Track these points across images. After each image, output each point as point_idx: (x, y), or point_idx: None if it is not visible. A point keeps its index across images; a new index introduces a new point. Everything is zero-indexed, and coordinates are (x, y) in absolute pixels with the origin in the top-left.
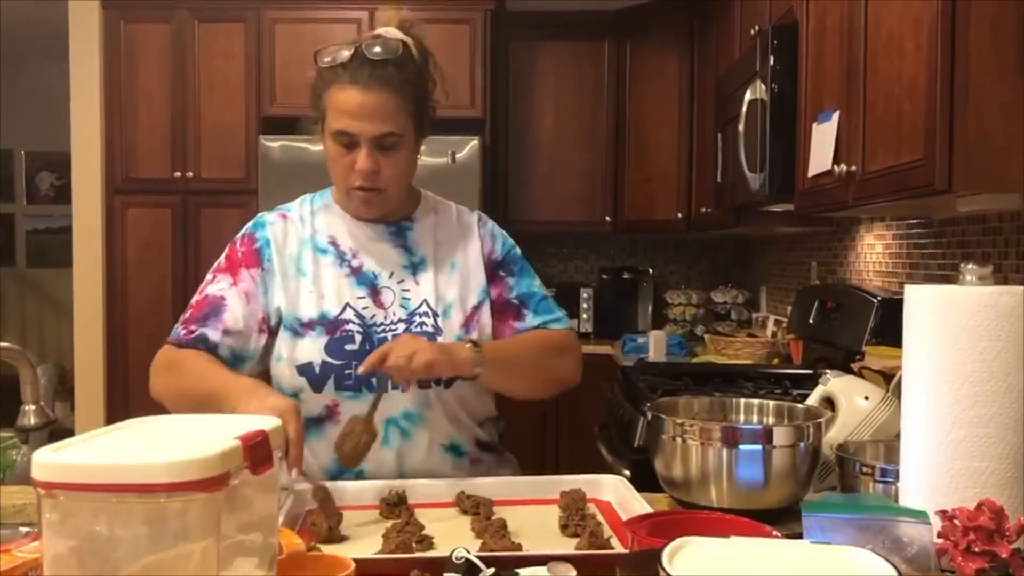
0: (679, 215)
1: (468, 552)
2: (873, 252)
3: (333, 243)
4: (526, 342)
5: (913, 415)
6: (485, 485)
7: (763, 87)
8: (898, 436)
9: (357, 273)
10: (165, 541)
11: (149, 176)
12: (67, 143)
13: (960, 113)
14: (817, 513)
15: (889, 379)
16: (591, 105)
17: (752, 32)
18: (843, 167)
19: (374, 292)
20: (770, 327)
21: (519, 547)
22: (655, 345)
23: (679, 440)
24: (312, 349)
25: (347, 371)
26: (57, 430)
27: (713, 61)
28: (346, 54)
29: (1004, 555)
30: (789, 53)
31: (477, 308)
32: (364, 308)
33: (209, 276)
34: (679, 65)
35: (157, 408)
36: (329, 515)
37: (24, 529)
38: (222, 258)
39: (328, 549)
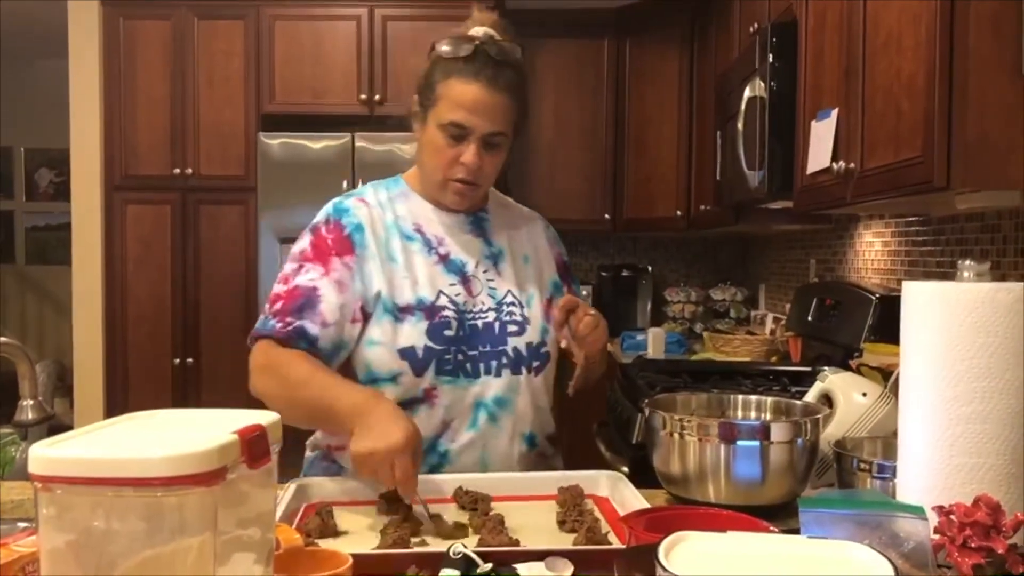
0: (678, 213)
1: (466, 547)
2: (872, 249)
3: (419, 230)
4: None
5: (911, 411)
6: (483, 481)
7: (762, 85)
8: (895, 432)
9: (445, 261)
10: (162, 535)
11: (148, 173)
12: (66, 140)
13: (959, 111)
14: (814, 509)
15: (887, 376)
16: (591, 103)
17: (751, 30)
18: (842, 164)
19: (464, 280)
20: (769, 324)
21: (517, 543)
22: (654, 342)
23: (677, 436)
24: (413, 334)
25: (447, 356)
26: (56, 426)
27: (712, 59)
28: (469, 48)
29: (1001, 551)
30: (788, 51)
31: (550, 302)
32: (457, 295)
33: (293, 265)
34: (679, 63)
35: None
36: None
37: (22, 524)
38: (305, 246)
39: (325, 544)
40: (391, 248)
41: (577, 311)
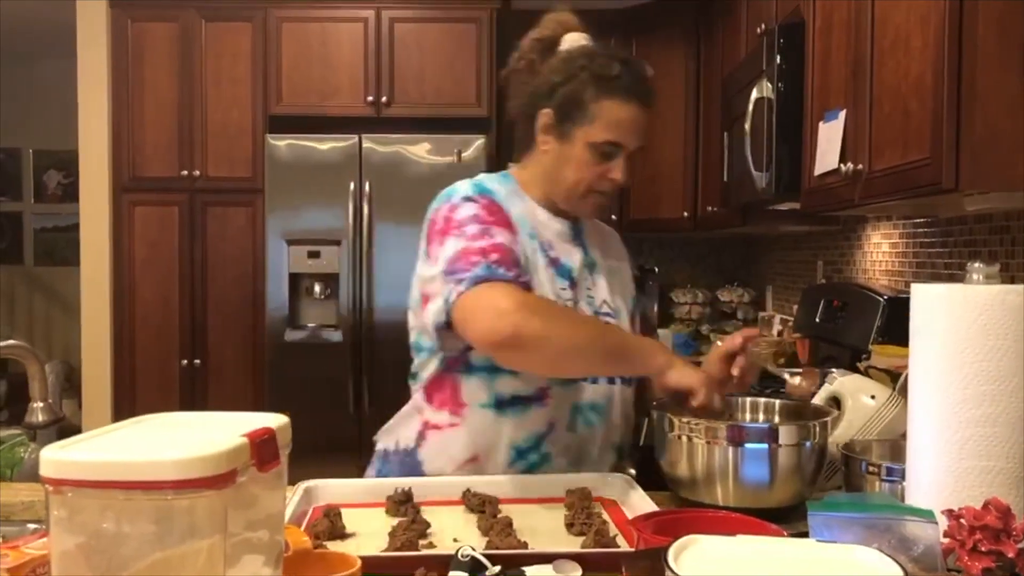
0: (685, 214)
1: (474, 550)
2: (879, 251)
3: (534, 231)
4: None
5: (919, 414)
6: (491, 483)
7: (769, 86)
8: (904, 435)
9: (556, 265)
10: (172, 538)
11: (156, 175)
12: (75, 142)
13: (967, 112)
14: (823, 512)
15: (895, 378)
16: None
17: (759, 31)
18: (850, 166)
19: (572, 286)
20: (776, 326)
21: (525, 545)
22: None
23: (685, 439)
24: None
25: None
26: (65, 428)
27: (719, 60)
28: (617, 67)
29: (1011, 554)
30: (796, 52)
31: (633, 316)
32: (568, 300)
33: (476, 227)
34: (685, 64)
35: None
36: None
37: (32, 526)
38: (476, 211)
39: (334, 546)
40: (522, 241)
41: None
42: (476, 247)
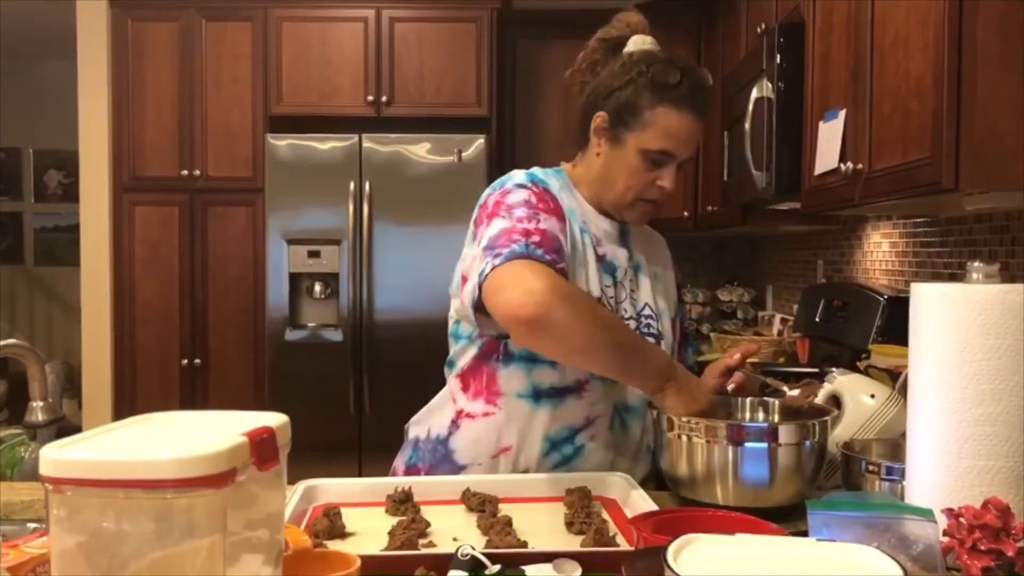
0: (685, 213)
1: (474, 549)
2: (880, 250)
3: (585, 225)
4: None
5: (919, 413)
6: (491, 482)
7: (770, 85)
8: (904, 434)
9: (602, 261)
10: (172, 537)
11: (157, 174)
12: (75, 141)
13: (967, 112)
14: (823, 511)
15: (895, 377)
16: None
17: (759, 30)
18: (850, 165)
19: (615, 284)
20: (776, 325)
21: (525, 544)
22: None
23: (685, 438)
24: None
25: None
26: (65, 427)
27: (719, 59)
28: (676, 75)
29: (1010, 553)
30: (796, 51)
31: (675, 321)
32: (611, 297)
33: (525, 211)
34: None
35: (163, 406)
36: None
37: (32, 525)
38: (527, 197)
39: (334, 546)
40: (574, 233)
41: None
42: (520, 228)
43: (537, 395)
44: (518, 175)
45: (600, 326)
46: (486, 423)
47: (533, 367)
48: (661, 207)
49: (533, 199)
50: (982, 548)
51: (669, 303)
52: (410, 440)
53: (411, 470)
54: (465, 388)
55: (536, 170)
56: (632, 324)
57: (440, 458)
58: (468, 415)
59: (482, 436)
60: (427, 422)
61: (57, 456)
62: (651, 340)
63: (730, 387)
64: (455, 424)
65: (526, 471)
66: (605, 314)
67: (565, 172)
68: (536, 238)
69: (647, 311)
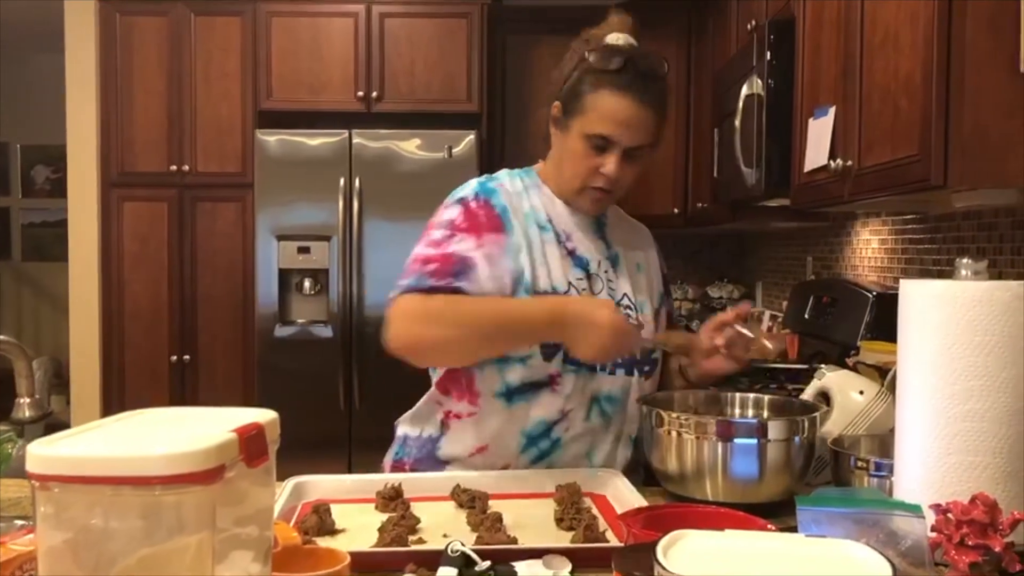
0: (676, 210)
1: (464, 545)
2: (869, 247)
3: (550, 222)
4: None
5: (908, 409)
6: (481, 478)
7: (760, 82)
8: (893, 430)
9: (572, 255)
10: (160, 534)
11: (145, 170)
12: (63, 136)
13: (956, 109)
14: (812, 507)
15: (884, 374)
16: None
17: (749, 27)
18: (839, 162)
19: (588, 276)
20: (766, 322)
21: (515, 540)
22: None
23: (675, 434)
24: None
25: None
26: (53, 424)
27: (710, 56)
28: (619, 61)
29: (997, 549)
30: (786, 48)
31: (658, 312)
32: (583, 289)
33: (443, 232)
34: (676, 60)
35: (152, 402)
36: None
37: (19, 522)
38: (455, 216)
39: (323, 542)
40: (530, 235)
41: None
42: (424, 255)
43: (511, 392)
44: (468, 187)
45: (466, 323)
46: (470, 422)
47: (504, 365)
48: (651, 203)
49: (460, 219)
50: (970, 543)
51: (651, 294)
52: (399, 437)
53: (396, 465)
54: (447, 391)
55: (502, 173)
56: None
57: (426, 455)
58: (456, 415)
59: (466, 435)
60: (419, 423)
61: (44, 453)
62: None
63: (719, 342)
64: (445, 424)
65: (506, 467)
66: (470, 308)
67: (535, 171)
68: (433, 266)
69: (626, 302)
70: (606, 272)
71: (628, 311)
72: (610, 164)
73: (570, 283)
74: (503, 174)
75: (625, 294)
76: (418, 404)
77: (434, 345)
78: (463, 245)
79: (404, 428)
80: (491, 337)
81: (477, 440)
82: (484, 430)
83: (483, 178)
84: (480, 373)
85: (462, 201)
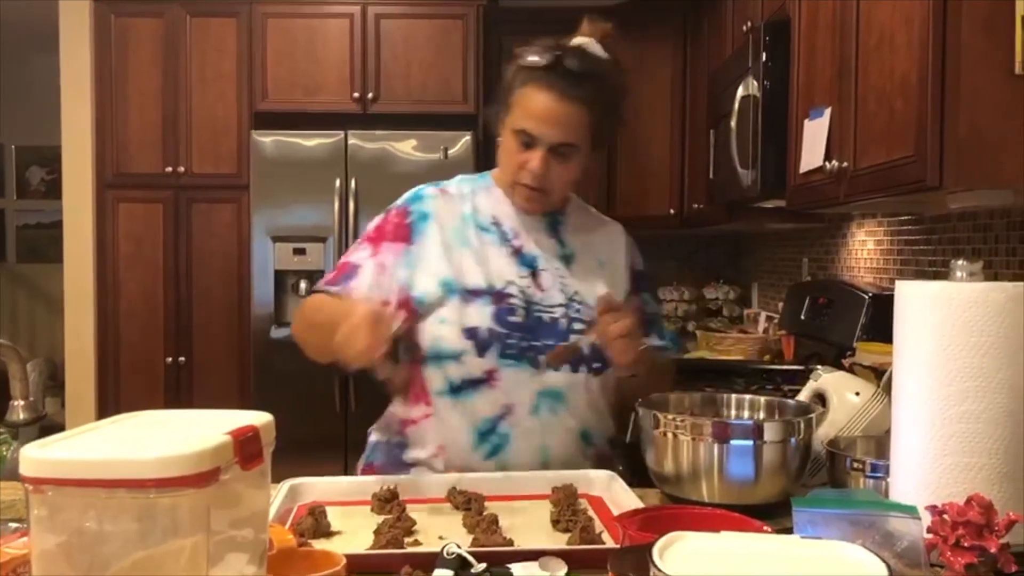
0: (671, 211)
1: (460, 547)
2: (864, 248)
3: (495, 223)
4: (660, 365)
5: (904, 411)
6: (477, 480)
7: (755, 83)
8: (888, 432)
9: (518, 253)
10: (155, 537)
11: (141, 171)
12: (58, 137)
13: (951, 110)
14: (808, 508)
15: (880, 375)
16: None
17: (744, 28)
18: (835, 163)
19: (534, 274)
20: (762, 323)
21: (511, 542)
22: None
23: (670, 435)
24: (481, 315)
25: (510, 340)
26: (48, 426)
27: (706, 57)
28: (548, 57)
29: (993, 550)
30: (781, 50)
31: None
32: (527, 287)
33: (358, 241)
34: (672, 61)
35: (148, 404)
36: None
37: (13, 525)
38: (371, 227)
39: (319, 545)
40: (466, 236)
41: (610, 315)
42: (338, 263)
43: (455, 390)
44: (407, 193)
45: (308, 322)
46: (428, 424)
47: (441, 363)
48: (647, 204)
49: (372, 228)
50: (965, 544)
51: (614, 289)
52: (370, 443)
53: (366, 470)
54: (406, 396)
55: (456, 178)
56: (559, 311)
57: (393, 459)
58: (413, 421)
59: (426, 437)
60: (387, 430)
61: (37, 456)
62: (580, 327)
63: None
64: (406, 428)
65: (466, 467)
66: (312, 308)
67: (490, 174)
68: (330, 275)
69: (579, 298)
70: (557, 268)
71: (580, 307)
72: (533, 161)
73: (511, 281)
74: (455, 179)
75: (577, 291)
76: (386, 410)
77: (299, 341)
78: (360, 254)
79: (375, 434)
80: (317, 338)
81: (436, 440)
82: (440, 430)
83: (425, 184)
84: (426, 373)
85: (387, 210)
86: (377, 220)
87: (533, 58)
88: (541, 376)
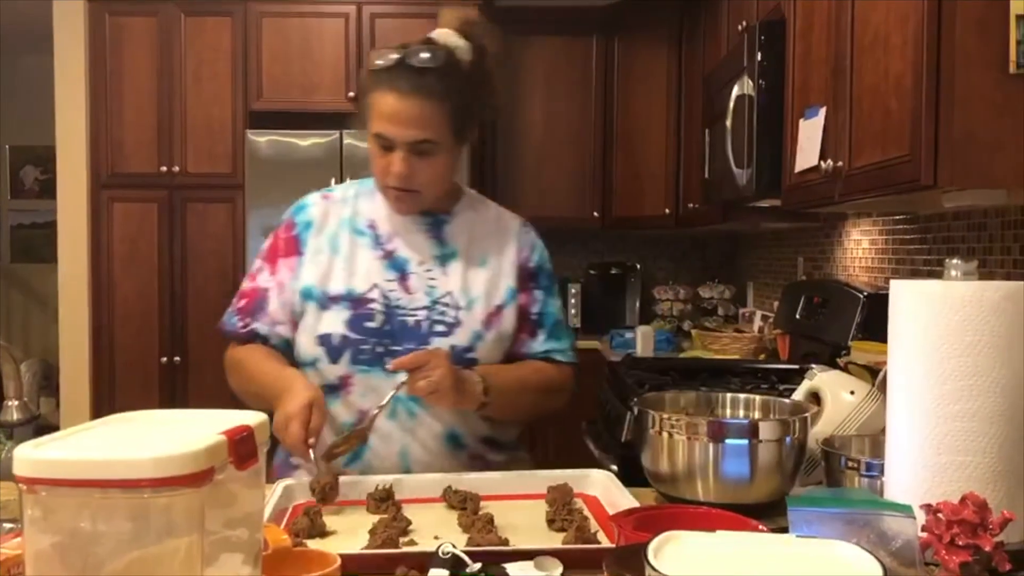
0: (667, 211)
1: (455, 547)
2: (859, 248)
3: (371, 226)
4: (530, 384)
5: (898, 410)
6: (473, 480)
7: (750, 83)
8: (883, 430)
9: (389, 257)
10: (149, 537)
11: (135, 171)
12: (52, 137)
13: (946, 109)
14: (803, 507)
15: (875, 374)
16: (579, 101)
17: (739, 28)
18: (830, 163)
19: (403, 277)
20: (757, 322)
21: (506, 542)
22: (643, 340)
23: (666, 435)
24: (334, 322)
25: (364, 346)
26: (43, 426)
27: (701, 57)
28: (393, 58)
29: (987, 548)
30: (776, 49)
31: (501, 308)
32: (391, 291)
33: (258, 263)
34: (667, 61)
35: (142, 404)
36: (327, 498)
37: (8, 525)
38: (265, 246)
39: (314, 545)
40: (338, 241)
41: (418, 371)
42: (242, 288)
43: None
44: (291, 208)
45: (246, 381)
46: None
47: (306, 370)
48: (643, 204)
49: (267, 247)
50: (960, 543)
51: (491, 290)
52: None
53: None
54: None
55: (344, 184)
56: (422, 314)
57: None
58: None
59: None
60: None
61: (31, 456)
62: (441, 329)
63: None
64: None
65: (339, 472)
66: (252, 367)
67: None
68: (242, 303)
69: (447, 299)
70: (428, 271)
71: (446, 308)
72: (395, 163)
73: (375, 285)
74: (342, 185)
75: (449, 292)
76: None
77: (240, 396)
78: (263, 277)
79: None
80: (256, 407)
81: (326, 437)
82: (326, 435)
83: (312, 192)
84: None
85: (277, 227)
86: (270, 239)
87: (379, 61)
88: (392, 382)
